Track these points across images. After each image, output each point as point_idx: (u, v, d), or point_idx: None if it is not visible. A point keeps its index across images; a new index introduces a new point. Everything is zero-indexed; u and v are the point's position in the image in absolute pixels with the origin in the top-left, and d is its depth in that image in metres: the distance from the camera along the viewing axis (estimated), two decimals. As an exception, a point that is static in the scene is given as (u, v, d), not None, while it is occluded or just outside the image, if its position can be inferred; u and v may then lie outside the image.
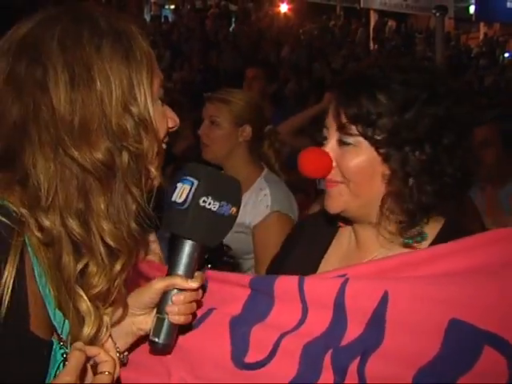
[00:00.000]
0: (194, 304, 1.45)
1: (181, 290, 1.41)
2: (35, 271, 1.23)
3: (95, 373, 1.22)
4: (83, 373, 1.21)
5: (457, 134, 1.56)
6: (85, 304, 1.26)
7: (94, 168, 1.21)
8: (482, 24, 23.18)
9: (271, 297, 1.49)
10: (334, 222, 1.78)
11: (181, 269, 1.42)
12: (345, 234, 1.79)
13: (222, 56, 13.45)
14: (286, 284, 1.48)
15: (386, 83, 1.58)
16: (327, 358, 1.39)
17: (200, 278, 1.43)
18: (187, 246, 1.43)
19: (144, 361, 1.52)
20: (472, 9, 21.95)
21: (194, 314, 1.48)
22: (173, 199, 1.43)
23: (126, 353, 1.47)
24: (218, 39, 15.60)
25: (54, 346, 1.28)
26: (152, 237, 1.75)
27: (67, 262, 1.24)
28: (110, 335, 1.35)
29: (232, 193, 1.46)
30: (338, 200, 1.64)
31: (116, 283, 1.29)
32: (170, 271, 1.44)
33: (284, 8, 20.77)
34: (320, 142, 1.70)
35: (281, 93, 7.09)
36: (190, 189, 1.41)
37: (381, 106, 1.56)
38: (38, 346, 1.24)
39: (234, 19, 19.22)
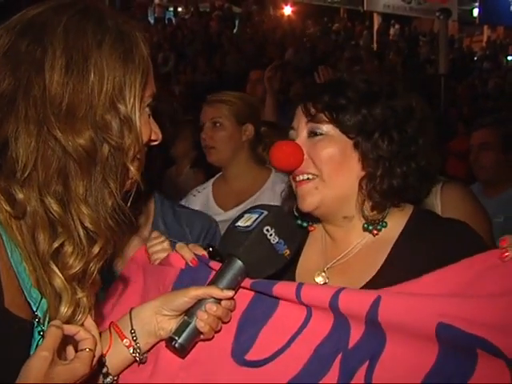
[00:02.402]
0: (220, 322, 1.50)
1: (216, 301, 1.47)
2: (6, 247, 1.25)
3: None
4: (62, 351, 1.23)
5: (418, 125, 1.69)
6: (60, 280, 1.27)
7: (75, 152, 1.23)
8: (485, 27, 23.18)
9: (274, 298, 1.51)
10: (304, 224, 1.80)
11: (222, 283, 1.48)
12: (316, 233, 1.81)
13: (226, 58, 13.46)
14: (283, 291, 1.49)
15: (350, 81, 1.72)
16: (336, 362, 1.41)
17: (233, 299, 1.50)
18: (236, 266, 1.49)
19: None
20: (476, 12, 21.97)
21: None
22: (237, 224, 1.53)
23: (145, 354, 1.50)
24: (221, 42, 15.60)
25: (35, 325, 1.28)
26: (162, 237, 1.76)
27: (41, 238, 1.26)
28: (91, 315, 1.35)
29: (292, 236, 1.55)
30: (312, 195, 1.67)
31: (92, 267, 1.30)
32: (212, 283, 1.50)
33: (288, 10, 20.81)
34: None
35: (285, 95, 7.08)
36: (258, 217, 1.52)
37: (348, 97, 1.67)
38: (14, 324, 1.24)
39: (237, 21, 19.23)
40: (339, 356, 1.41)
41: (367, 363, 1.37)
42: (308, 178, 1.68)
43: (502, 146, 3.88)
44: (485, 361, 1.27)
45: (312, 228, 1.81)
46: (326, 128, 1.67)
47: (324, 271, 1.73)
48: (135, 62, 1.30)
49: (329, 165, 1.65)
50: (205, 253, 1.62)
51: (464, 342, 1.28)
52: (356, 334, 1.41)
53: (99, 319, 1.43)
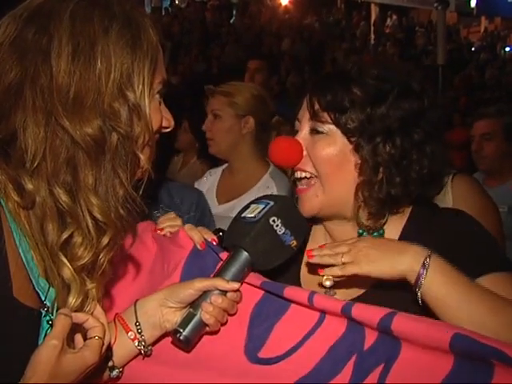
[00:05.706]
0: (226, 314, 1.48)
1: (222, 293, 1.45)
2: (14, 236, 1.24)
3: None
4: (71, 340, 1.22)
5: (427, 132, 1.59)
6: (68, 271, 1.26)
7: (83, 141, 1.21)
8: (483, 18, 23.13)
9: (285, 299, 1.49)
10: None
11: (228, 275, 1.47)
12: (319, 231, 1.78)
13: (224, 48, 13.42)
14: (295, 295, 1.47)
15: (360, 77, 1.62)
16: (350, 363, 1.39)
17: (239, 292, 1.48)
18: (242, 257, 1.48)
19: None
20: (473, 2, 21.92)
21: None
22: (243, 215, 1.51)
23: (150, 347, 1.49)
24: (218, 31, 15.54)
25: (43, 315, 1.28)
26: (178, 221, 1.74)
27: (50, 228, 1.25)
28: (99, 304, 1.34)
29: (299, 227, 1.53)
30: (312, 201, 1.63)
31: (102, 258, 1.28)
32: (217, 275, 1.48)
33: (285, 0, 20.71)
34: (292, 135, 1.71)
35: (282, 85, 7.08)
36: (264, 208, 1.50)
37: (354, 96, 1.59)
38: (22, 312, 1.24)
39: (235, 11, 19.15)
40: (353, 357, 1.39)
41: (382, 366, 1.35)
42: (306, 177, 1.64)
43: (504, 136, 3.90)
44: (502, 371, 1.25)
45: None
46: (328, 128, 1.61)
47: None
48: (143, 48, 1.28)
49: (326, 166, 1.61)
50: (214, 237, 1.60)
51: (480, 352, 1.26)
52: (371, 336, 1.39)
53: (106, 306, 1.42)
